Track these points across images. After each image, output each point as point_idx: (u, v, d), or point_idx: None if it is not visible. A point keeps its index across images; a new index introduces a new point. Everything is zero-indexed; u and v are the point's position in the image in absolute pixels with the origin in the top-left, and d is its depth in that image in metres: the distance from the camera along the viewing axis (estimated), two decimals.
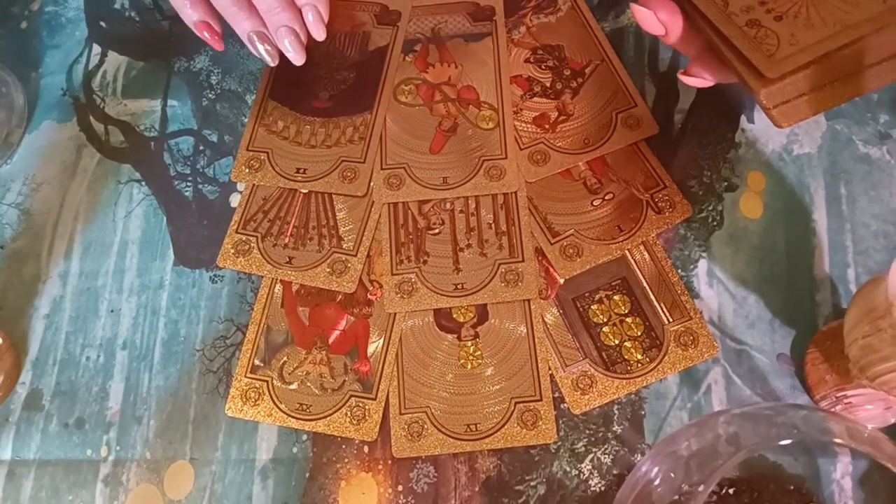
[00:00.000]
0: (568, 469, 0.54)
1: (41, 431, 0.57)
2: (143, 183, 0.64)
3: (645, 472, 0.48)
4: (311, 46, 0.64)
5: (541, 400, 0.55)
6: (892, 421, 0.52)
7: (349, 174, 0.62)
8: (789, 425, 0.45)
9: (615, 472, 0.54)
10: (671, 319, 0.57)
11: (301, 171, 0.62)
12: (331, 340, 0.58)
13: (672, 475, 0.47)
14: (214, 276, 0.61)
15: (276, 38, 0.57)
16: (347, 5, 0.69)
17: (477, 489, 0.54)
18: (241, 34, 0.57)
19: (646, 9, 0.45)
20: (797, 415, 0.46)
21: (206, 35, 0.58)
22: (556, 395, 0.55)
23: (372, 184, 0.62)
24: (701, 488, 0.41)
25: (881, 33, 0.39)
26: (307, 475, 0.55)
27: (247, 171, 0.63)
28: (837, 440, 0.43)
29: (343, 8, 0.69)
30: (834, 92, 0.41)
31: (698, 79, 0.47)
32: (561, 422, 0.55)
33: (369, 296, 0.59)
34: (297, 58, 0.58)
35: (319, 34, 0.58)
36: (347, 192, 0.61)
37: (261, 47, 0.57)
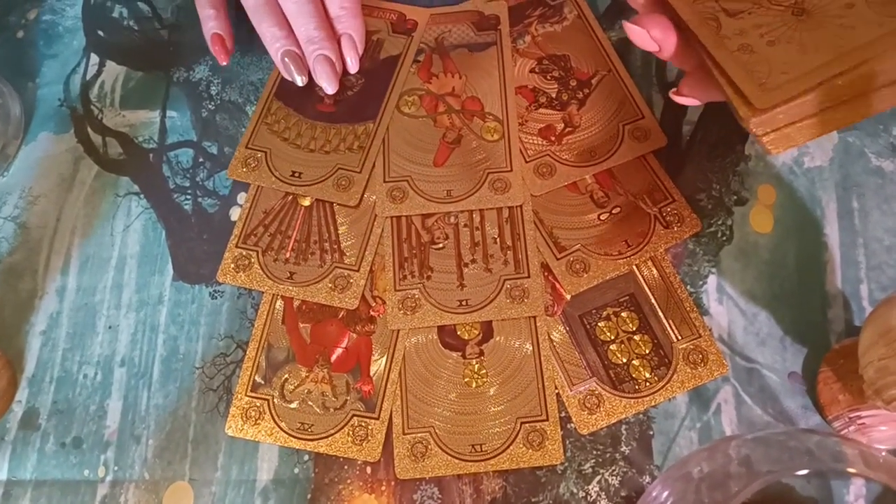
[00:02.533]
0: (575, 491, 0.53)
1: (37, 451, 0.56)
2: (142, 196, 0.63)
3: (655, 496, 0.47)
4: None
5: (547, 420, 0.54)
6: None
7: (343, 182, 0.61)
8: (802, 451, 0.45)
9: (623, 493, 0.53)
10: (680, 337, 0.55)
11: (296, 174, 0.61)
12: (333, 358, 0.56)
13: (683, 498, 0.46)
14: (214, 291, 0.60)
15: (312, 66, 0.56)
16: (364, 10, 0.68)
17: None
18: (274, 54, 0.57)
19: (638, 27, 0.44)
20: (810, 440, 0.45)
21: (216, 48, 0.57)
22: (563, 414, 0.54)
23: (367, 195, 0.61)
24: None
25: (877, 61, 0.37)
26: (309, 496, 0.54)
27: (243, 169, 0.62)
28: (851, 469, 0.42)
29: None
30: (826, 119, 0.39)
31: (689, 98, 0.47)
32: (568, 442, 0.54)
33: (372, 312, 0.58)
34: (329, 87, 0.58)
35: (353, 66, 0.58)
36: (340, 201, 0.60)
37: (293, 69, 0.56)
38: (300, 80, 0.61)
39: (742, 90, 0.39)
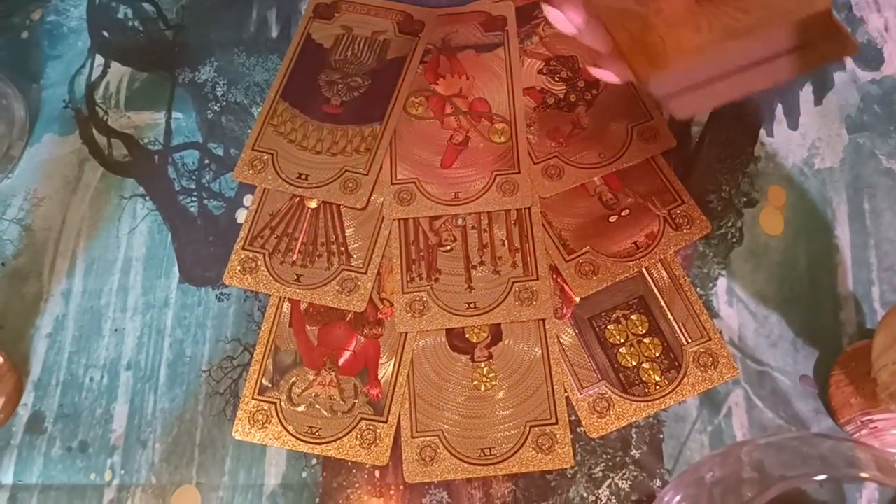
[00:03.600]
0: (585, 495, 0.52)
1: (44, 455, 0.56)
2: (148, 198, 0.63)
3: (668, 501, 0.46)
4: (328, 49, 0.62)
5: (557, 423, 0.53)
6: None
7: (351, 185, 0.60)
8: (816, 456, 0.44)
9: (634, 497, 0.52)
10: (690, 340, 0.55)
11: (303, 176, 0.61)
12: (340, 362, 0.56)
13: (696, 503, 0.45)
14: (221, 294, 0.59)
15: None
16: (370, 10, 0.67)
17: None
18: None
19: (555, 9, 0.45)
20: (824, 445, 0.44)
21: None
22: (573, 418, 0.54)
23: (374, 197, 0.60)
24: None
25: (766, 32, 0.39)
26: (317, 501, 0.53)
27: (249, 171, 0.61)
28: (864, 474, 0.42)
29: (366, 13, 0.68)
30: (731, 85, 0.41)
31: (605, 72, 0.47)
32: (578, 446, 0.53)
33: (380, 315, 0.57)
34: None
35: None
36: (347, 204, 0.60)
37: None
38: None
39: (630, 61, 0.41)
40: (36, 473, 0.55)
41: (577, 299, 0.57)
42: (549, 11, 0.45)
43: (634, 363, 0.55)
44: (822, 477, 0.40)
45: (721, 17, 0.39)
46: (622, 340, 0.56)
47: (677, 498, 0.46)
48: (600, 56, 0.46)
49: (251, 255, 0.59)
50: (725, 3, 0.40)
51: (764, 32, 0.39)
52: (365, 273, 0.58)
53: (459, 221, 0.59)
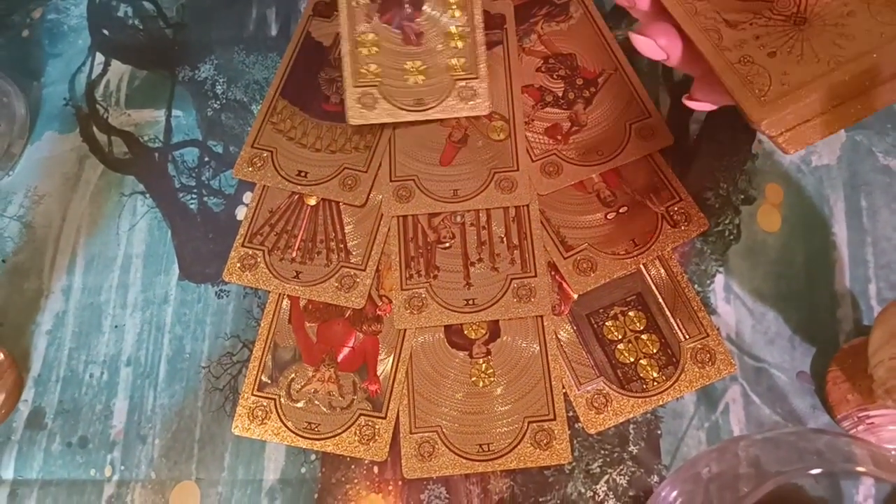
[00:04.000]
0: (583, 490, 0.53)
1: (44, 451, 0.56)
2: (147, 195, 0.63)
3: (664, 496, 0.47)
4: (327, 47, 0.64)
5: (554, 419, 0.54)
6: None
7: (350, 182, 0.60)
8: (812, 451, 0.44)
9: (631, 493, 0.53)
10: (687, 336, 0.55)
11: (302, 173, 0.61)
12: (339, 358, 0.56)
13: (692, 499, 0.46)
14: (220, 291, 0.59)
15: None
16: None
17: None
18: None
19: (644, 37, 0.44)
20: (820, 440, 0.45)
21: None
22: (571, 414, 0.54)
23: (373, 194, 0.61)
24: None
25: (881, 55, 0.38)
26: (316, 496, 0.54)
27: (249, 168, 0.61)
28: (861, 468, 0.42)
29: None
30: (837, 115, 0.40)
31: (703, 104, 0.46)
32: (575, 442, 0.54)
33: (378, 311, 0.57)
34: None
35: None
36: (346, 201, 0.60)
37: None
38: None
39: (742, 105, 0.39)
40: (36, 469, 0.56)
41: (575, 296, 0.57)
42: (637, 39, 0.44)
43: (632, 359, 0.55)
44: (817, 471, 0.41)
45: (826, 46, 0.38)
46: (620, 337, 0.56)
47: (674, 494, 0.47)
48: (693, 86, 0.46)
49: (251, 252, 0.59)
50: (827, 28, 0.39)
51: (870, 62, 0.37)
52: (364, 270, 0.58)
53: (458, 218, 0.60)
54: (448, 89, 0.60)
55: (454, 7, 0.62)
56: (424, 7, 0.62)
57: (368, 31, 0.61)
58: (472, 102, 0.60)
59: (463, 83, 0.60)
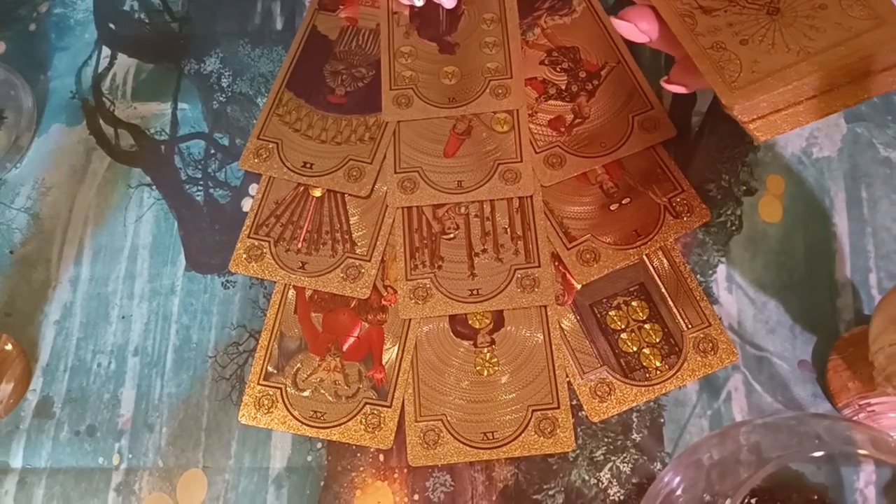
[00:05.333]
0: (587, 478, 0.53)
1: (52, 439, 0.57)
2: (154, 187, 0.64)
3: (667, 482, 0.47)
4: (333, 40, 0.65)
5: (558, 407, 0.54)
6: None
7: (355, 173, 0.61)
8: (812, 435, 0.45)
9: (634, 480, 0.53)
10: (690, 326, 0.56)
11: (308, 165, 0.62)
12: (345, 347, 0.57)
13: (694, 485, 0.46)
14: (226, 281, 0.60)
15: None
16: (375, 2, 0.68)
17: (494, 498, 0.53)
18: None
19: (625, 21, 0.45)
20: (820, 424, 0.45)
21: None
22: (574, 402, 0.55)
23: (378, 186, 0.61)
24: (728, 502, 0.41)
25: (853, 52, 0.39)
26: (322, 484, 0.54)
27: (255, 160, 0.62)
28: (862, 451, 0.43)
29: (370, 5, 0.68)
30: (809, 108, 0.41)
31: (679, 86, 0.48)
32: (579, 430, 0.54)
33: (383, 302, 0.58)
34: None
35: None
36: (351, 192, 0.61)
37: None
38: (418, 2, 0.63)
39: (714, 88, 0.41)
40: (44, 457, 0.56)
41: (579, 286, 0.58)
42: (620, 24, 0.46)
43: (635, 349, 0.56)
44: (818, 454, 0.41)
45: (796, 37, 0.39)
46: (623, 326, 0.57)
47: (677, 479, 0.47)
48: (673, 69, 0.47)
49: (257, 243, 0.60)
50: (798, 20, 0.40)
51: (838, 56, 0.38)
52: (369, 260, 0.59)
53: (462, 210, 0.60)
54: (482, 87, 0.63)
55: (489, 21, 0.66)
56: (460, 24, 0.66)
57: (407, 44, 0.65)
58: (505, 100, 0.62)
59: (496, 82, 0.63)
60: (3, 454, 0.56)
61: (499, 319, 0.57)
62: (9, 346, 0.58)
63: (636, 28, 0.45)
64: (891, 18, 0.38)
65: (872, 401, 0.51)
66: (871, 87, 0.40)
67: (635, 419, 0.54)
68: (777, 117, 0.41)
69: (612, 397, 0.54)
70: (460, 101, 0.63)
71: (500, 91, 0.62)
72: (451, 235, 0.59)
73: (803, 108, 0.40)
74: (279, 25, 0.69)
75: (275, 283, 0.59)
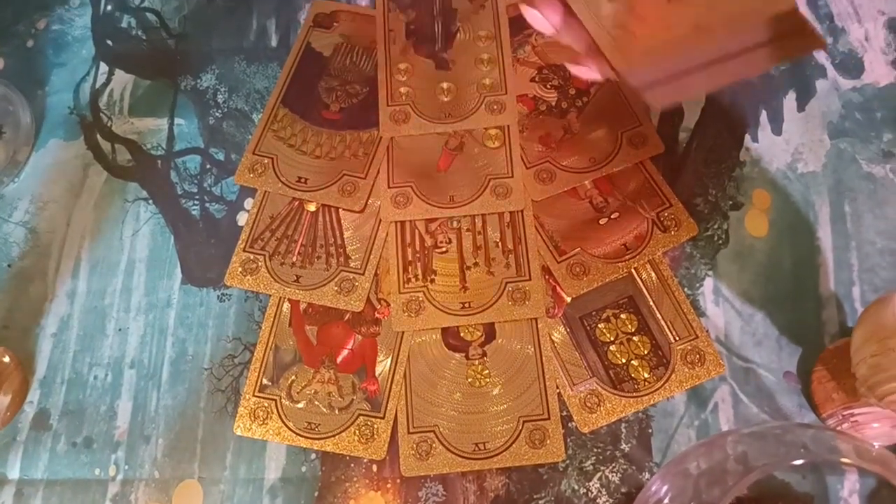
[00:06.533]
0: (576, 487, 0.54)
1: (49, 451, 0.57)
2: (151, 201, 0.64)
3: (654, 491, 0.48)
4: (327, 57, 0.66)
5: (549, 418, 0.55)
6: None
7: (349, 188, 0.62)
8: (798, 444, 0.46)
9: (623, 490, 0.54)
10: (678, 338, 0.57)
11: (302, 180, 0.63)
12: (339, 360, 0.58)
13: (681, 494, 0.47)
14: (222, 294, 0.61)
15: None
16: (369, 20, 0.69)
17: None
18: None
19: (532, 8, 0.46)
20: (805, 434, 0.46)
21: None
22: (564, 413, 0.56)
23: (372, 200, 0.62)
24: None
25: (733, 27, 0.41)
26: (316, 494, 0.55)
27: (250, 175, 0.63)
28: (846, 459, 0.44)
29: (364, 23, 0.70)
30: (702, 77, 0.43)
31: (585, 69, 0.48)
32: (569, 440, 0.55)
33: (377, 314, 0.59)
34: None
35: None
36: (345, 206, 0.62)
37: None
38: None
39: (611, 61, 0.43)
40: (41, 468, 0.57)
41: (569, 299, 0.59)
42: (527, 11, 0.46)
43: (624, 360, 0.57)
44: (799, 462, 0.42)
45: (690, 15, 0.41)
46: (612, 338, 0.58)
47: (664, 488, 0.48)
48: (580, 55, 0.48)
49: (252, 257, 0.61)
50: (695, 2, 0.42)
51: (731, 27, 0.41)
52: (362, 274, 0.60)
53: (454, 224, 0.61)
54: (477, 103, 0.64)
55: (483, 38, 0.67)
56: (455, 41, 0.68)
57: (404, 61, 0.66)
58: (500, 115, 0.64)
59: (491, 98, 0.64)
60: (1, 466, 0.57)
61: (490, 332, 0.58)
62: (6, 359, 0.59)
63: (541, 16, 0.46)
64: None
65: (856, 411, 0.52)
66: (767, 56, 0.42)
67: (624, 430, 0.55)
68: (671, 87, 0.43)
69: (602, 408, 0.55)
70: (456, 116, 0.64)
71: (495, 107, 0.64)
72: (444, 249, 0.60)
73: (699, 77, 0.42)
74: (274, 42, 0.70)
75: (270, 296, 0.60)
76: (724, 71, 0.42)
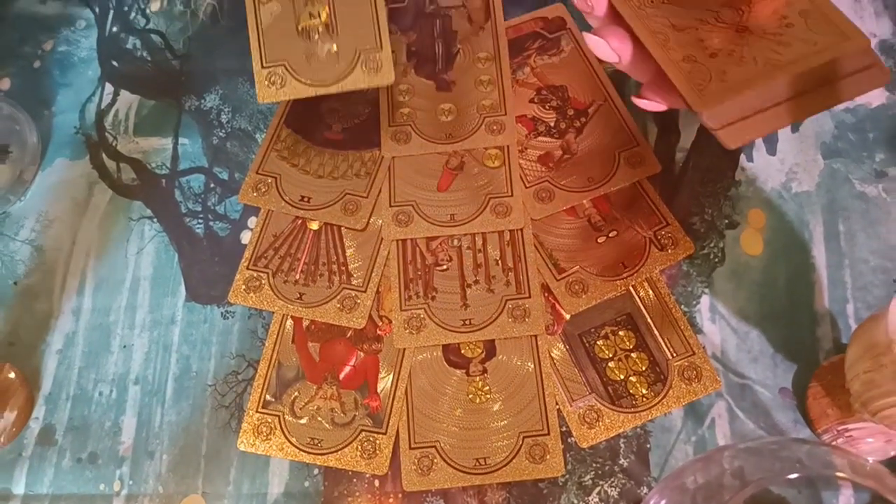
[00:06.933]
0: (576, 502, 0.55)
1: (54, 466, 0.58)
2: (155, 220, 0.65)
3: None
4: None
5: (548, 434, 0.56)
6: (893, 454, 0.53)
7: (351, 207, 0.63)
8: (793, 459, 0.47)
9: None
10: (675, 354, 0.58)
11: (305, 199, 0.63)
12: (341, 376, 0.58)
13: None
14: (226, 312, 0.62)
15: None
16: None
17: None
18: None
19: (598, 37, 0.47)
20: (801, 449, 0.47)
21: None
22: (564, 429, 0.56)
23: (374, 219, 0.63)
24: None
25: (807, 66, 0.41)
26: None
27: (254, 194, 0.64)
28: (840, 474, 0.44)
29: None
30: (777, 114, 0.43)
31: (650, 102, 0.48)
32: (568, 455, 0.56)
33: (378, 331, 0.60)
34: None
35: None
36: (347, 225, 0.63)
37: None
38: None
39: (682, 92, 0.42)
40: (47, 484, 0.57)
41: (568, 316, 0.59)
42: (591, 39, 0.46)
43: (622, 377, 0.58)
44: (795, 476, 0.43)
45: (764, 52, 0.41)
46: (610, 355, 0.58)
47: (662, 502, 0.49)
48: (643, 85, 0.48)
49: (255, 275, 0.61)
50: (766, 36, 0.42)
51: (805, 66, 0.40)
52: (364, 291, 0.61)
53: (455, 242, 0.62)
54: (478, 123, 0.65)
55: (483, 59, 0.68)
56: (456, 62, 0.69)
57: (405, 82, 0.68)
58: (500, 136, 0.65)
59: (491, 119, 0.65)
60: (6, 481, 0.58)
61: (491, 349, 0.59)
62: (12, 375, 0.59)
63: (608, 45, 0.46)
64: (854, 35, 0.40)
65: (850, 426, 0.53)
66: (837, 93, 0.42)
67: (622, 445, 0.56)
68: (745, 124, 0.43)
69: (601, 424, 0.56)
70: (457, 136, 0.65)
71: (495, 127, 0.65)
72: (445, 267, 0.61)
73: (771, 114, 0.42)
74: None
75: (273, 313, 0.61)
76: (796, 108, 0.42)
